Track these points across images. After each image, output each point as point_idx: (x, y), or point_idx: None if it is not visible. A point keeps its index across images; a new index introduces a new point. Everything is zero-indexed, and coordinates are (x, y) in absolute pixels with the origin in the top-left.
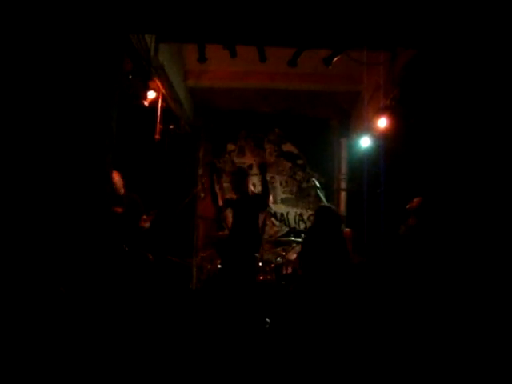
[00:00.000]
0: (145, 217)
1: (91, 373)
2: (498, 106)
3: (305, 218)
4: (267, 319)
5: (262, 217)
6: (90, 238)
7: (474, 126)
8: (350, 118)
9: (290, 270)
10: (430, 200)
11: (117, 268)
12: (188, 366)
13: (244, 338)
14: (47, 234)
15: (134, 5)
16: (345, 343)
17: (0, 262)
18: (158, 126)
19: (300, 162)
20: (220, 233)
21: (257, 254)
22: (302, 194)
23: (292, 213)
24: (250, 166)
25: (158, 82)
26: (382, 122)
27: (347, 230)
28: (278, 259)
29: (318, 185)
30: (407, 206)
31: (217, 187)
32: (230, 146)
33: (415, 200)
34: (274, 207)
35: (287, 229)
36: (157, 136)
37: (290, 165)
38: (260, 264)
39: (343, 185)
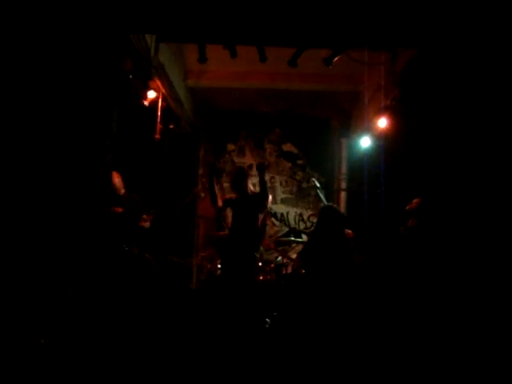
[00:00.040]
0: (145, 216)
1: (93, 367)
2: (499, 106)
3: (305, 217)
4: (267, 319)
5: (261, 217)
6: (90, 238)
7: (475, 126)
8: (350, 118)
9: (290, 270)
10: (430, 201)
11: (117, 268)
12: (188, 366)
13: (244, 338)
14: (52, 234)
15: (134, 5)
16: (346, 342)
17: (13, 264)
18: (158, 126)
19: (300, 161)
20: (220, 233)
21: (256, 254)
22: (301, 194)
23: (292, 213)
24: (250, 166)
25: (159, 82)
26: (383, 122)
27: (349, 231)
28: (278, 259)
29: (318, 185)
30: (407, 208)
31: (216, 188)
32: (230, 146)
33: (414, 201)
34: (274, 207)
35: (287, 229)
36: (157, 136)
37: (290, 165)
38: (260, 264)
39: (343, 185)
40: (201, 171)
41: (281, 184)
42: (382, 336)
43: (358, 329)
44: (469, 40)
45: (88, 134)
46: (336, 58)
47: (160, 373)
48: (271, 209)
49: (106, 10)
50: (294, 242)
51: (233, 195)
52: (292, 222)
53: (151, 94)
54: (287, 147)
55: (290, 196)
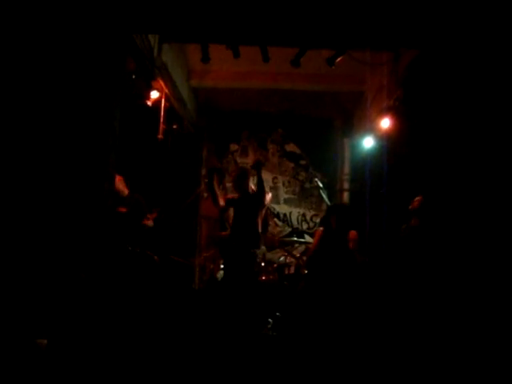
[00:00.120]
0: (148, 215)
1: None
2: (501, 106)
3: (307, 218)
4: (270, 319)
5: (261, 214)
6: (93, 236)
7: (477, 126)
8: (353, 119)
9: (292, 270)
10: (433, 200)
11: (120, 267)
12: (189, 365)
13: (246, 338)
14: (59, 230)
15: (137, 5)
16: (349, 343)
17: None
18: (161, 126)
19: (303, 162)
20: (223, 233)
21: (257, 251)
22: (304, 195)
23: (295, 213)
24: None
25: (162, 82)
26: (385, 123)
27: (353, 231)
28: (281, 259)
29: (321, 185)
30: (409, 207)
31: (217, 187)
32: (233, 146)
33: (416, 199)
34: (276, 207)
35: (290, 229)
36: (160, 136)
37: (292, 165)
38: (263, 264)
39: (346, 185)
40: (204, 171)
41: (284, 184)
42: (385, 336)
43: (360, 329)
44: (471, 40)
45: (91, 133)
46: (339, 59)
47: (161, 371)
48: (274, 209)
49: (109, 10)
50: (296, 242)
51: (235, 195)
52: (295, 223)
53: (154, 94)
54: (290, 147)
55: (292, 196)
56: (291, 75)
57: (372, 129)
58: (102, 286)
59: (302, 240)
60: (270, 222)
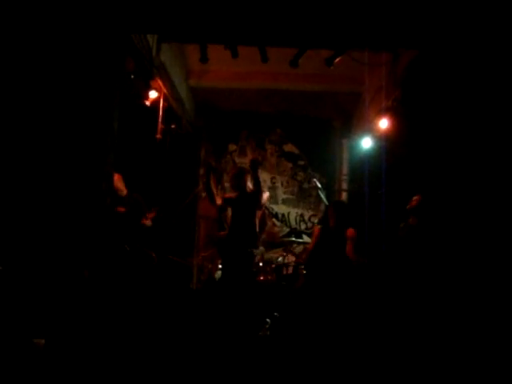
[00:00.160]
0: (146, 215)
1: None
2: (499, 107)
3: (306, 218)
4: (267, 319)
5: (259, 213)
6: (91, 235)
7: (475, 127)
8: (351, 119)
9: (290, 270)
10: (431, 200)
11: (119, 266)
12: (187, 365)
13: (244, 339)
14: (56, 228)
15: (136, 5)
16: (347, 343)
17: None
18: (160, 126)
19: (301, 162)
20: (221, 233)
21: (255, 250)
22: (303, 195)
23: (293, 213)
24: None
25: (160, 82)
26: (384, 123)
27: (351, 229)
28: (279, 259)
29: (319, 185)
30: (407, 207)
31: (213, 186)
32: (232, 146)
33: (414, 198)
34: (275, 208)
35: (288, 229)
36: (158, 136)
37: (291, 165)
38: (261, 264)
39: (344, 185)
40: (202, 171)
41: (282, 184)
42: (383, 335)
43: (358, 329)
44: (470, 41)
45: (89, 133)
46: (337, 59)
47: (158, 371)
48: (272, 209)
49: (107, 10)
50: (294, 242)
51: (233, 194)
52: (293, 223)
53: (153, 94)
54: (288, 148)
55: (291, 196)
56: (290, 75)
57: (370, 129)
58: (100, 286)
59: (300, 240)
60: (268, 222)
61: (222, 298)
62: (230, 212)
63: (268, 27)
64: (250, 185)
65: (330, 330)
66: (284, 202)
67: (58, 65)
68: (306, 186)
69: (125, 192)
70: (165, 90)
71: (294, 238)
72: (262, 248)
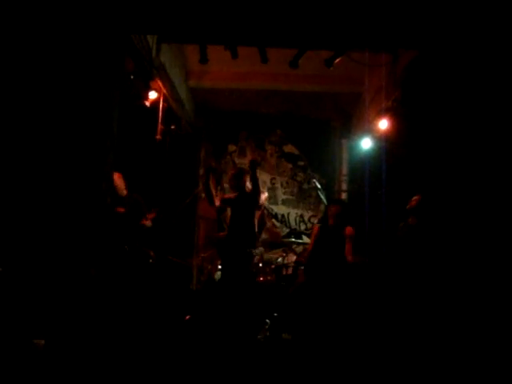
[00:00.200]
0: (146, 215)
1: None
2: (499, 107)
3: (305, 219)
4: (267, 320)
5: (258, 213)
6: (91, 235)
7: (475, 127)
8: (351, 120)
9: (290, 271)
10: (430, 200)
11: (119, 267)
12: (186, 366)
13: (243, 339)
14: (55, 228)
15: (135, 5)
16: (348, 343)
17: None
18: (160, 127)
19: (301, 163)
20: (221, 233)
21: (254, 250)
22: (302, 195)
23: (293, 214)
24: None
25: (160, 83)
26: (384, 124)
27: (349, 227)
28: (279, 260)
29: (319, 186)
30: (407, 207)
31: (212, 186)
32: (231, 147)
33: (414, 198)
34: (274, 208)
35: (288, 230)
36: (158, 136)
37: (290, 166)
38: (260, 265)
39: (344, 186)
40: (201, 172)
41: (282, 185)
42: (383, 336)
43: (358, 328)
44: (470, 41)
45: (89, 133)
46: (337, 60)
47: (158, 371)
48: (272, 209)
49: (107, 11)
50: (294, 243)
51: (232, 195)
52: (293, 223)
53: (152, 95)
54: (288, 148)
55: (290, 197)
56: (289, 76)
57: (370, 130)
58: (104, 285)
59: (300, 241)
60: (268, 223)
61: (221, 298)
62: (229, 212)
63: (268, 28)
64: (249, 185)
65: (329, 329)
66: (284, 202)
67: (57, 65)
68: (305, 186)
69: (125, 192)
70: (164, 91)
71: (293, 239)
72: (261, 248)
